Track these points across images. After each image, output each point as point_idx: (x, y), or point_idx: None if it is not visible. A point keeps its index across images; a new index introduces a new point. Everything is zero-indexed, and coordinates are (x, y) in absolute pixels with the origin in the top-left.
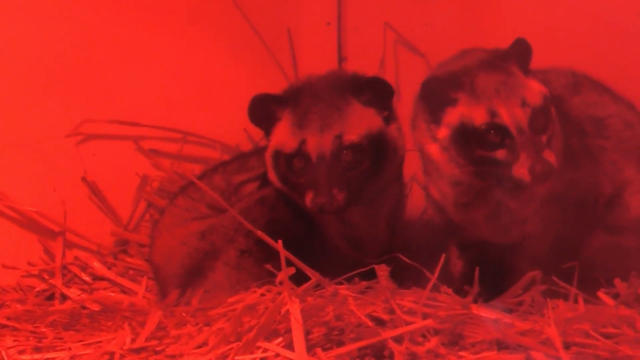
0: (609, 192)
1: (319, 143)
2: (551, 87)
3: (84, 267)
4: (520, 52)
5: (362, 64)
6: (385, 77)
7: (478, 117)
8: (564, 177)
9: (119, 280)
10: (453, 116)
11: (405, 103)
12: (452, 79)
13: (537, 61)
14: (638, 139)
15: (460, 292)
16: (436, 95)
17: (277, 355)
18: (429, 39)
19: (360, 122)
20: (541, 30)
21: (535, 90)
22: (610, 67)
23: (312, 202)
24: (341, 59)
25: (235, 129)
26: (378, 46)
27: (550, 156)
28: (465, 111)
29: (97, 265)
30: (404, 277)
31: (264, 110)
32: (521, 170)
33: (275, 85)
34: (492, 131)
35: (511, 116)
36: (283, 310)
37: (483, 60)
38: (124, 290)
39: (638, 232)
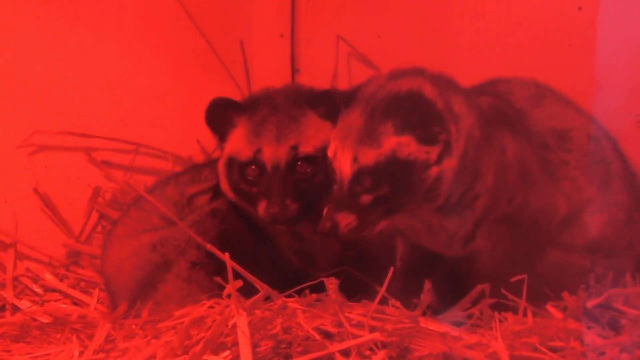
0: (566, 212)
1: (274, 153)
2: (514, 98)
3: (36, 279)
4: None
5: (315, 76)
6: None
7: None
8: (516, 199)
9: (71, 292)
10: None
11: None
12: None
13: (492, 73)
14: (601, 154)
15: (403, 289)
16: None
17: None
18: (382, 52)
19: (316, 134)
20: (494, 42)
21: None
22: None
23: (264, 212)
24: (294, 70)
25: (188, 141)
26: (331, 58)
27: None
28: None
29: (49, 277)
30: (355, 290)
31: (221, 115)
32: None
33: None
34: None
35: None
36: (230, 323)
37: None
38: (75, 302)
39: (593, 253)
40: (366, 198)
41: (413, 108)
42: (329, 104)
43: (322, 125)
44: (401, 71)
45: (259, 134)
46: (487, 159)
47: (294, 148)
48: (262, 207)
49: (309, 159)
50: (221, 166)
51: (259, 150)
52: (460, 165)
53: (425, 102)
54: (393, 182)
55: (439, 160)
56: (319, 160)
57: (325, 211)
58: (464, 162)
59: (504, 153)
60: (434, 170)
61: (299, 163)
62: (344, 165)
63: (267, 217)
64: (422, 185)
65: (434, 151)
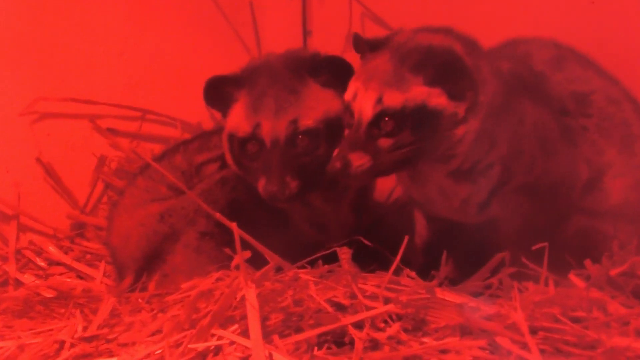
0: (587, 177)
1: (273, 127)
2: (533, 61)
3: (39, 252)
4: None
5: (327, 39)
6: (352, 52)
7: None
8: (535, 168)
9: (76, 265)
10: None
11: None
12: None
13: (511, 34)
14: (622, 116)
15: (423, 266)
16: None
17: (233, 342)
18: (397, 12)
19: (317, 105)
20: (514, 3)
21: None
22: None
23: (263, 189)
24: (306, 32)
25: (197, 106)
26: (344, 20)
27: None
28: None
29: (53, 250)
30: (369, 260)
31: (219, 92)
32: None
33: (238, 61)
34: None
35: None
36: (239, 296)
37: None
38: (80, 276)
39: (617, 219)
40: (385, 141)
41: (445, 62)
42: (332, 71)
43: (323, 94)
44: (431, 27)
45: (258, 108)
46: (504, 128)
47: (294, 122)
48: (261, 185)
49: (309, 132)
50: (224, 140)
51: (257, 126)
52: (481, 130)
53: (457, 58)
54: (417, 129)
55: (465, 118)
56: (321, 133)
57: (336, 152)
58: (484, 128)
59: (523, 122)
60: (461, 129)
61: (299, 137)
62: (365, 105)
63: (266, 195)
64: (445, 141)
65: (462, 107)
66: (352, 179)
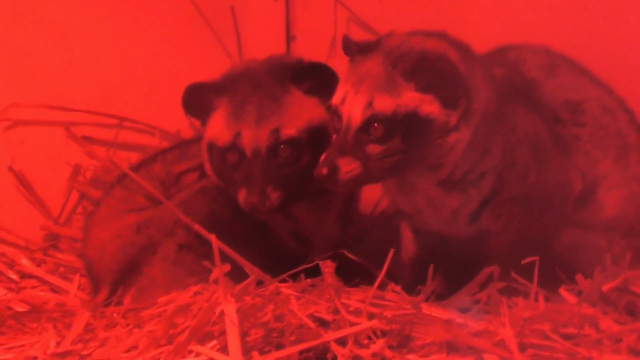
0: (580, 188)
1: (254, 137)
2: (525, 68)
3: (11, 264)
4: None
5: (312, 44)
6: (337, 58)
7: None
8: (528, 178)
9: (49, 278)
10: None
11: None
12: None
13: (501, 40)
14: (616, 126)
15: (410, 282)
16: None
17: (211, 359)
18: (384, 17)
19: (300, 113)
20: (504, 6)
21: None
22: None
23: (243, 201)
24: (290, 37)
25: (175, 114)
26: (329, 25)
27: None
28: None
29: (25, 262)
30: (353, 274)
31: (199, 100)
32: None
33: (218, 67)
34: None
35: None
36: (218, 311)
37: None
38: (54, 289)
39: (610, 232)
40: (374, 148)
41: (438, 69)
42: (315, 78)
43: (307, 102)
44: (425, 31)
45: (239, 116)
46: (497, 137)
47: (275, 131)
48: (241, 196)
49: (292, 141)
50: (203, 149)
51: (238, 135)
52: (472, 139)
53: (450, 65)
54: (407, 137)
55: (457, 127)
56: (304, 142)
57: (322, 157)
58: (476, 137)
59: (515, 131)
60: (452, 137)
61: (281, 147)
62: (355, 109)
63: (246, 207)
64: (436, 149)
65: (454, 116)
66: (339, 186)
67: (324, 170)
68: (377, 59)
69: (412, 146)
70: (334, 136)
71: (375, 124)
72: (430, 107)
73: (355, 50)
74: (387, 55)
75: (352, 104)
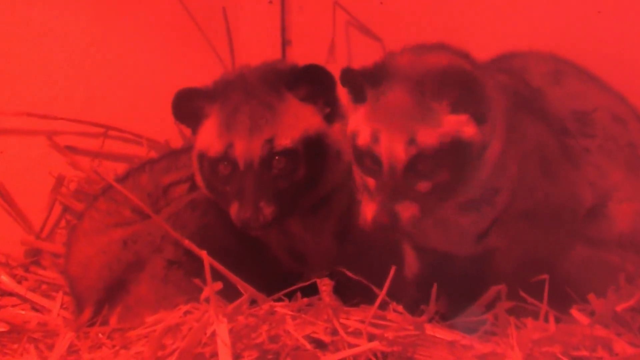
0: (591, 202)
1: (247, 148)
2: (530, 76)
3: None
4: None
5: (309, 49)
6: (335, 64)
7: None
8: (536, 192)
9: (30, 296)
10: None
11: None
12: None
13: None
14: (628, 137)
15: (414, 302)
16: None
17: None
18: (385, 21)
19: (296, 122)
20: (509, 9)
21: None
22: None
23: (236, 216)
24: (285, 42)
25: (164, 123)
26: (327, 28)
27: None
28: None
29: (5, 279)
30: (352, 293)
31: (189, 106)
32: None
33: (210, 74)
34: None
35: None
36: (209, 332)
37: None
38: (35, 308)
39: (623, 248)
40: (424, 185)
41: (465, 84)
42: (312, 82)
43: (303, 111)
44: (425, 45)
45: (231, 126)
46: (512, 150)
47: (269, 142)
48: (233, 210)
49: (287, 153)
50: (194, 159)
51: (230, 145)
52: (501, 152)
53: (472, 78)
54: (453, 166)
55: (490, 142)
56: (300, 154)
57: (375, 205)
58: (502, 150)
59: (524, 142)
60: (487, 154)
61: (275, 158)
62: (395, 149)
63: (238, 222)
64: (476, 170)
65: (486, 131)
66: (401, 233)
67: (386, 220)
68: (399, 88)
69: (458, 174)
70: (370, 179)
71: (423, 160)
72: (468, 128)
73: (360, 81)
74: (407, 81)
75: (391, 143)
